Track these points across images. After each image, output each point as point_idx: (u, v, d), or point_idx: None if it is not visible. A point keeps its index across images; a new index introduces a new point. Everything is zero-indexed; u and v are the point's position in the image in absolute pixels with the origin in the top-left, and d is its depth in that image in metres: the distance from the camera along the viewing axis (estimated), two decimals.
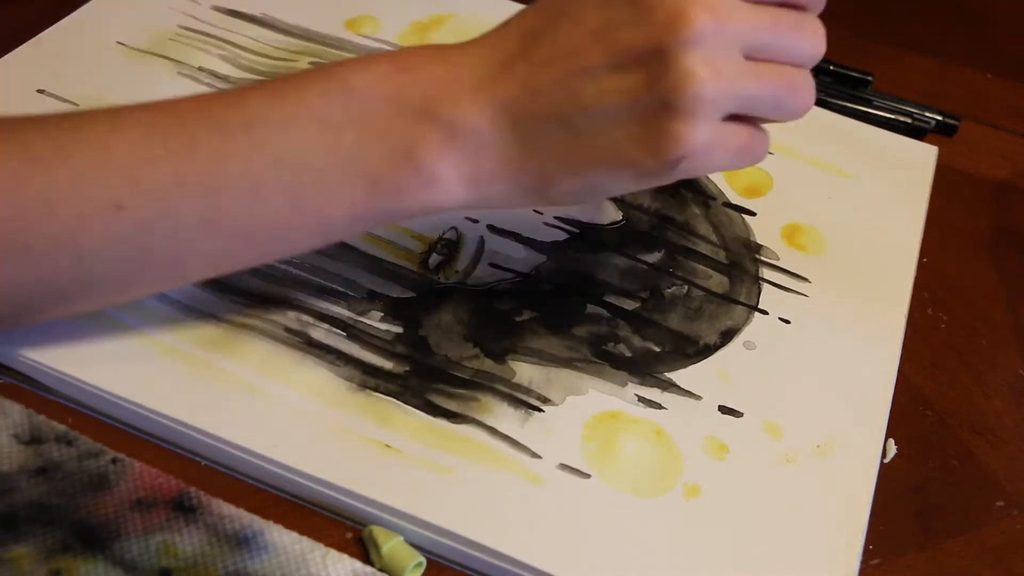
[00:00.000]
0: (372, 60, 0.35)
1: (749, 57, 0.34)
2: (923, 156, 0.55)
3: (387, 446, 0.38)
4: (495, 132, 0.34)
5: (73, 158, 0.33)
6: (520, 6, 0.60)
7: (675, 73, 0.32)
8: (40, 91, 0.50)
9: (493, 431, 0.39)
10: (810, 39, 0.35)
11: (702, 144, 0.33)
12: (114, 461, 0.37)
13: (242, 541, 0.35)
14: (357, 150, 0.34)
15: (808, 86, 0.35)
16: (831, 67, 0.60)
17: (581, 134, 0.34)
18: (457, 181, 0.35)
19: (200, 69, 0.53)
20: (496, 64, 0.35)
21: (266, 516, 0.36)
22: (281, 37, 0.56)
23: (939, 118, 0.57)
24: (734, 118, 0.34)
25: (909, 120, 0.57)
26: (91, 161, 0.33)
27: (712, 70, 0.32)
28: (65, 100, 0.49)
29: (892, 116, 0.57)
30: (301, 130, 0.34)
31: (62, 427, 0.37)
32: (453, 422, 0.39)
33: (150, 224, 0.34)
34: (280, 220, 0.35)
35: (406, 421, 0.39)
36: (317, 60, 0.54)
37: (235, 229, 0.35)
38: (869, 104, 0.58)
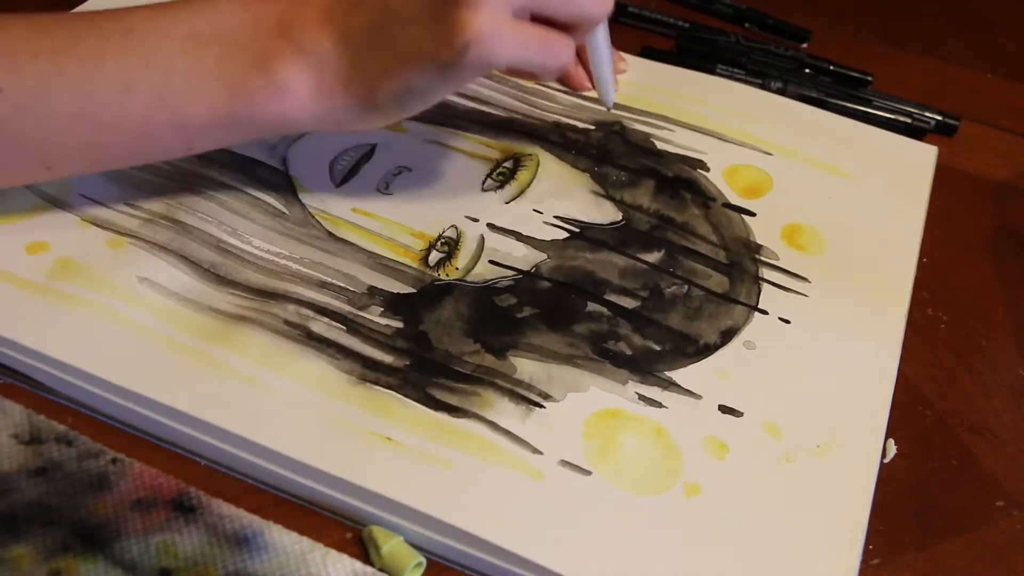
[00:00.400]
0: None
1: None
2: (923, 156, 0.55)
3: (387, 438, 0.38)
4: (333, 49, 0.39)
5: None
6: None
7: None
8: None
9: (494, 426, 0.39)
10: None
11: (487, 31, 0.36)
12: (114, 461, 0.37)
13: (242, 541, 0.35)
14: (220, 59, 0.39)
15: None
16: (831, 67, 0.60)
17: (392, 37, 0.38)
18: (303, 92, 0.39)
19: None
20: None
21: (266, 516, 0.36)
22: None
23: (939, 118, 0.57)
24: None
25: (909, 120, 0.57)
26: None
27: None
28: None
29: (892, 116, 0.57)
30: (172, 39, 0.39)
31: (62, 427, 0.37)
32: (454, 416, 0.39)
33: (27, 108, 0.38)
34: (147, 116, 0.39)
35: (406, 414, 0.39)
36: None
37: (105, 121, 0.39)
38: (869, 104, 0.58)
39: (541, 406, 0.40)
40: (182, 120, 0.40)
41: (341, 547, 0.36)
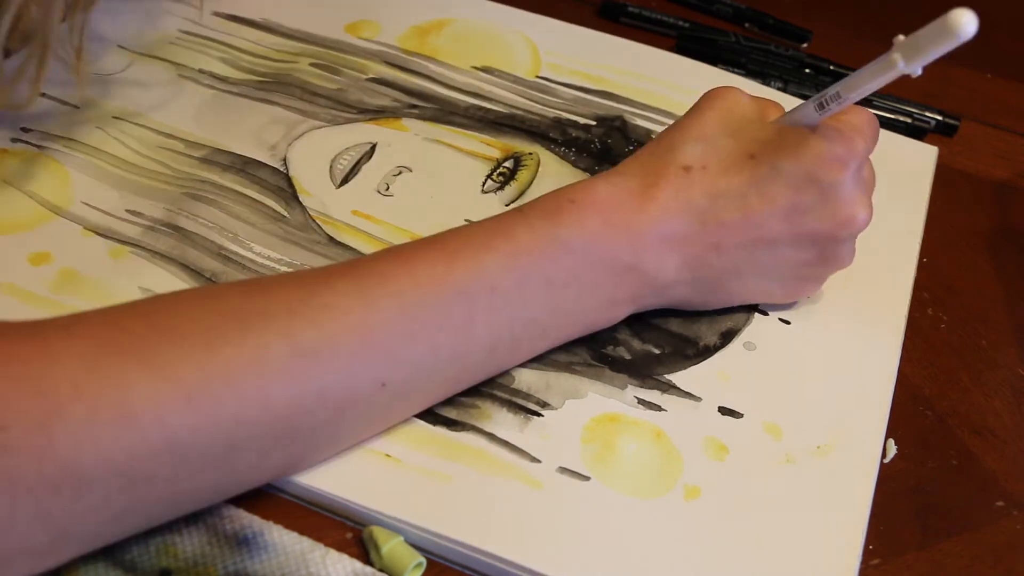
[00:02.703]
0: (581, 214, 0.39)
1: None
2: (923, 156, 0.55)
3: (387, 455, 0.38)
4: (678, 278, 0.41)
5: (339, 347, 0.34)
6: (511, 10, 0.61)
7: (841, 255, 0.42)
8: (41, 94, 0.50)
9: (492, 437, 0.39)
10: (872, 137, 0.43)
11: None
12: None
13: (242, 541, 0.35)
14: (575, 303, 0.39)
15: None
16: (831, 67, 0.60)
17: (747, 283, 0.42)
18: (633, 308, 0.42)
19: (201, 71, 0.53)
20: (692, 224, 0.40)
21: (266, 516, 0.36)
22: (281, 40, 0.56)
23: (939, 118, 0.57)
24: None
25: (909, 120, 0.57)
26: (356, 348, 0.34)
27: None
28: (66, 103, 0.50)
29: (892, 116, 0.57)
30: (533, 291, 0.38)
31: None
32: (453, 430, 0.39)
33: (406, 393, 0.37)
34: (504, 365, 0.40)
35: (406, 430, 0.38)
36: (317, 61, 0.54)
37: (470, 380, 0.39)
38: (869, 104, 0.57)
39: (539, 414, 0.40)
40: (529, 356, 0.41)
41: (341, 547, 0.36)
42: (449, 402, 0.39)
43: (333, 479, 0.36)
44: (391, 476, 0.37)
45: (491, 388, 0.40)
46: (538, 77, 0.56)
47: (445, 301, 0.36)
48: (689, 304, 0.43)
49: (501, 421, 0.39)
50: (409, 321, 0.35)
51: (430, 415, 0.39)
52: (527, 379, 0.41)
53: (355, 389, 0.35)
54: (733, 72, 0.58)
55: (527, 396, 0.40)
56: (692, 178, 0.40)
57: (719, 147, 0.40)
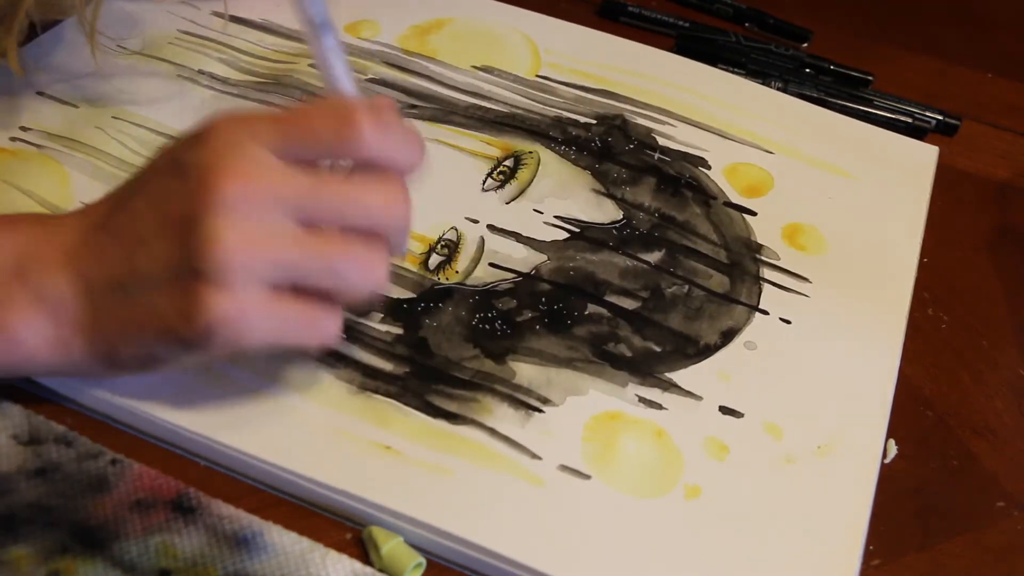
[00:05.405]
0: None
1: (309, 223, 0.33)
2: (924, 156, 0.55)
3: (387, 448, 0.38)
4: (74, 298, 0.35)
5: None
6: (511, 9, 0.61)
7: (200, 239, 0.32)
8: (40, 93, 0.50)
9: (493, 432, 0.39)
10: (377, 202, 0.34)
11: (233, 314, 0.32)
12: (113, 462, 0.37)
13: (242, 541, 0.35)
14: None
15: (370, 259, 0.34)
16: (831, 67, 0.60)
17: (133, 300, 0.34)
18: (39, 345, 0.35)
19: (200, 72, 0.53)
20: (84, 231, 0.35)
21: (266, 516, 0.36)
22: (281, 41, 0.56)
23: (940, 118, 0.57)
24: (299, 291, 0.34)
25: (910, 120, 0.57)
26: None
27: (239, 236, 0.32)
28: (65, 102, 0.49)
29: (893, 116, 0.57)
30: None
31: (61, 428, 0.37)
32: (453, 423, 0.39)
33: None
34: None
35: (406, 423, 0.39)
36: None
37: None
38: (870, 104, 0.58)
39: (540, 411, 0.40)
40: None
41: (341, 547, 0.36)
42: (449, 395, 0.39)
43: (333, 471, 0.36)
44: (391, 468, 0.37)
45: (491, 382, 0.40)
46: (538, 76, 0.56)
47: None
48: (111, 352, 0.35)
49: (502, 416, 0.39)
50: None
51: (430, 407, 0.39)
52: (528, 374, 0.41)
53: None
54: (733, 72, 0.58)
55: (528, 391, 0.40)
56: (106, 198, 0.37)
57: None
